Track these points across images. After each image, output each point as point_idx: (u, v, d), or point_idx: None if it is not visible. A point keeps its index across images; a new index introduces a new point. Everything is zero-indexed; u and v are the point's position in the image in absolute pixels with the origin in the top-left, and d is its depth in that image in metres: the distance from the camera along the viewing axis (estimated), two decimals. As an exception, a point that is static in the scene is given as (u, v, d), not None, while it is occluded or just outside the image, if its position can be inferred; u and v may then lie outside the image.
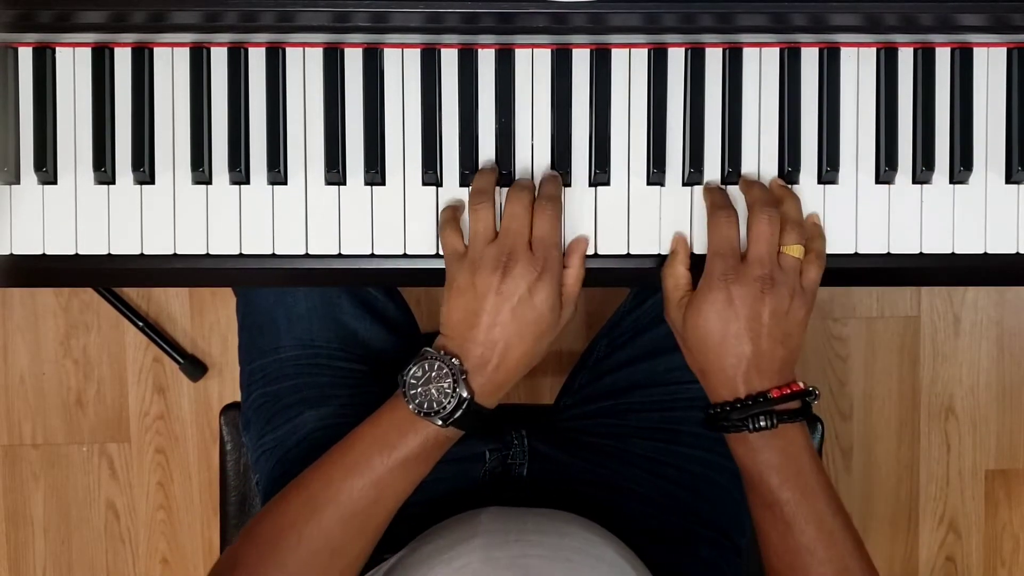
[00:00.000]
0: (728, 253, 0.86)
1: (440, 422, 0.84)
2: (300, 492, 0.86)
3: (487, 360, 0.84)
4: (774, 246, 0.86)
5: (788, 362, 0.86)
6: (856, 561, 0.84)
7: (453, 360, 0.84)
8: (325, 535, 0.84)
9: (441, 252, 0.90)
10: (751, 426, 0.83)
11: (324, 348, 1.06)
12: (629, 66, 0.91)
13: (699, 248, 0.91)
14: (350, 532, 0.84)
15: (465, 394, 0.83)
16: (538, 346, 0.86)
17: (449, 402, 0.83)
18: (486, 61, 0.91)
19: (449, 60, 0.91)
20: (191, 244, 0.91)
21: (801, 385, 0.85)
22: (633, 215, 0.92)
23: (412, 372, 0.84)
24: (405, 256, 0.92)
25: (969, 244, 0.93)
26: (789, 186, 0.91)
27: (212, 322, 1.78)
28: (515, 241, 0.85)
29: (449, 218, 0.90)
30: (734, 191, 0.91)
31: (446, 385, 0.83)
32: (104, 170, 0.90)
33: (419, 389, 0.84)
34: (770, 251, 0.85)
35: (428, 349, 0.85)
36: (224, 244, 0.92)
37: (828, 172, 0.91)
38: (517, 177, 0.91)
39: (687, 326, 0.86)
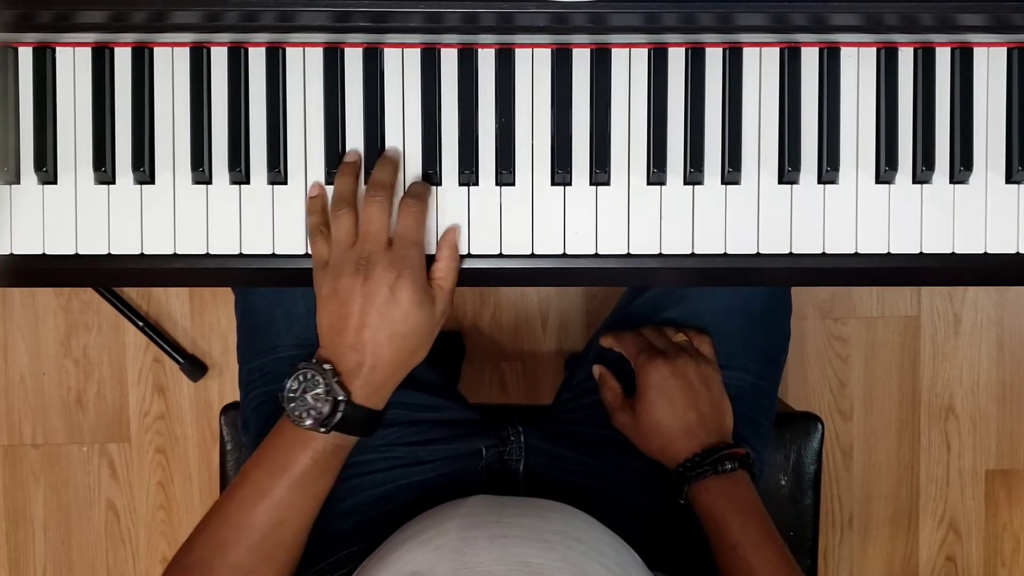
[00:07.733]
0: (647, 347, 1.02)
1: (322, 429, 0.85)
2: (204, 529, 0.87)
3: (361, 362, 0.86)
4: (669, 338, 1.04)
5: (726, 424, 1.00)
6: None
7: (324, 366, 0.85)
8: (234, 566, 0.85)
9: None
10: (719, 468, 0.95)
11: None
12: (629, 66, 0.91)
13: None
14: (259, 557, 0.86)
15: (341, 396, 0.85)
16: (413, 342, 0.88)
17: (325, 407, 0.84)
18: (486, 61, 0.91)
19: (449, 60, 0.91)
20: (191, 244, 0.91)
21: (733, 441, 1.00)
22: (633, 215, 0.92)
23: (289, 386, 0.86)
24: (405, 256, 0.92)
25: (969, 244, 0.93)
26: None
27: (212, 322, 1.78)
28: (373, 243, 0.87)
29: (316, 226, 0.90)
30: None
31: (320, 391, 0.85)
32: (104, 170, 0.90)
33: (296, 401, 0.85)
34: (667, 342, 1.04)
35: (303, 363, 0.86)
36: (224, 244, 0.92)
37: (828, 172, 0.91)
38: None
39: (643, 418, 0.99)
